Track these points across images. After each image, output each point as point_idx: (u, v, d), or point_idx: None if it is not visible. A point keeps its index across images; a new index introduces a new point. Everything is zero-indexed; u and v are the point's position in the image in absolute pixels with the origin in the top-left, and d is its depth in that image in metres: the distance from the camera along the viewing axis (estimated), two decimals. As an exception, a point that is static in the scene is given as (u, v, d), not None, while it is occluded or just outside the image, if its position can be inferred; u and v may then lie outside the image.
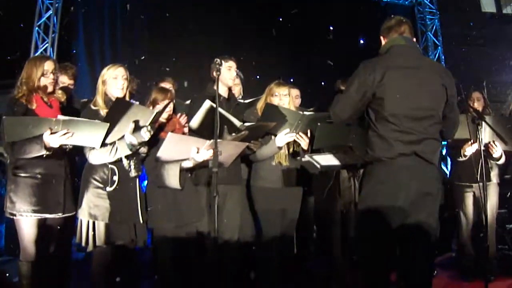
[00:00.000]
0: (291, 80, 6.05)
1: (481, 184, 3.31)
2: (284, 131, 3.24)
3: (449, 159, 5.45)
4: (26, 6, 6.74)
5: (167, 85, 3.74)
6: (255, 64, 6.55)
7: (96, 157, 2.84)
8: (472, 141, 3.46)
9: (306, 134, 3.27)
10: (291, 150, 3.39)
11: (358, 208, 2.61)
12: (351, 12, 7.71)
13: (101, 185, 2.88)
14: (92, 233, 2.85)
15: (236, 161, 3.21)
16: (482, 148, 3.30)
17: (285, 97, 3.36)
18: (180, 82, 4.33)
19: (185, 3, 7.22)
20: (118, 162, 2.88)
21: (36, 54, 6.56)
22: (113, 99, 2.85)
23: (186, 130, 3.24)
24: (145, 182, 3.24)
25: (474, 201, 3.92)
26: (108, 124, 2.67)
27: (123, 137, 2.79)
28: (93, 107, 2.92)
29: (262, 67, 6.59)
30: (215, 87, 2.94)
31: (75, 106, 3.35)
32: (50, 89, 2.87)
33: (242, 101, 3.77)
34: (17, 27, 6.50)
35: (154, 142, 2.96)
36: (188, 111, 3.33)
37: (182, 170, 2.96)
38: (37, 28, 6.84)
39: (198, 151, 2.90)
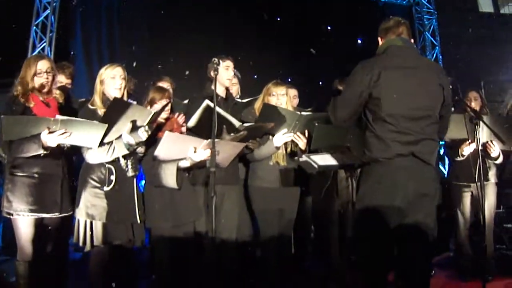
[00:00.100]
0: (289, 80, 6.05)
1: (479, 183, 3.31)
2: (282, 131, 3.24)
3: (447, 159, 5.45)
4: (24, 5, 6.72)
5: (164, 84, 3.73)
6: (254, 64, 6.55)
7: (93, 156, 2.83)
8: (470, 140, 3.47)
9: (303, 134, 3.27)
10: (288, 150, 3.40)
11: (356, 207, 2.61)
12: (349, 12, 7.72)
13: (98, 185, 2.87)
14: (90, 232, 2.85)
15: (234, 161, 3.21)
16: (480, 147, 3.30)
17: (283, 97, 3.37)
18: (179, 82, 4.32)
19: (184, 3, 7.21)
20: (116, 162, 2.88)
21: (34, 54, 6.54)
22: (111, 99, 2.84)
23: (184, 129, 3.23)
24: (143, 182, 3.24)
25: (472, 201, 3.92)
26: (106, 125, 2.67)
27: (120, 136, 2.79)
28: (90, 107, 2.91)
29: (261, 67, 6.59)
30: (212, 87, 2.93)
31: (73, 105, 3.34)
32: (46, 88, 2.86)
33: (239, 100, 3.77)
34: (14, 26, 6.48)
35: (152, 142, 2.95)
36: (186, 110, 3.33)
37: (179, 170, 2.95)
38: (34, 27, 6.82)
39: (195, 150, 2.90)
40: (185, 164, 2.96)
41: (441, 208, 3.28)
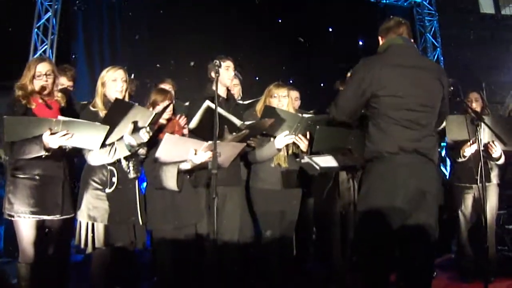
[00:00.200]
0: (291, 81, 6.05)
1: (480, 185, 3.31)
2: (283, 133, 3.24)
3: (448, 160, 5.44)
4: (26, 7, 6.74)
5: (166, 86, 3.74)
6: (255, 65, 6.56)
7: (95, 157, 2.83)
8: (471, 141, 3.46)
9: (305, 136, 3.27)
10: (290, 152, 3.39)
11: (358, 208, 2.61)
12: (350, 14, 7.73)
13: (100, 187, 2.87)
14: (91, 234, 2.85)
15: (236, 162, 3.21)
16: (481, 148, 3.30)
17: (284, 99, 3.37)
18: (179, 83, 4.33)
19: (184, 3, 7.22)
20: (117, 163, 2.88)
21: (35, 56, 6.56)
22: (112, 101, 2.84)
23: (185, 131, 3.23)
24: (144, 184, 3.24)
25: (474, 202, 3.90)
26: (108, 127, 2.66)
27: (122, 138, 2.79)
28: (92, 109, 2.91)
29: (262, 68, 6.60)
30: (213, 88, 2.93)
31: (74, 108, 3.34)
32: (46, 90, 2.86)
33: (241, 102, 3.77)
34: (16, 29, 6.50)
35: (153, 143, 2.95)
36: (187, 112, 3.33)
37: (180, 172, 2.95)
38: (36, 29, 6.84)
39: (196, 152, 2.90)
40: (186, 166, 2.95)
41: (443, 209, 3.28)
